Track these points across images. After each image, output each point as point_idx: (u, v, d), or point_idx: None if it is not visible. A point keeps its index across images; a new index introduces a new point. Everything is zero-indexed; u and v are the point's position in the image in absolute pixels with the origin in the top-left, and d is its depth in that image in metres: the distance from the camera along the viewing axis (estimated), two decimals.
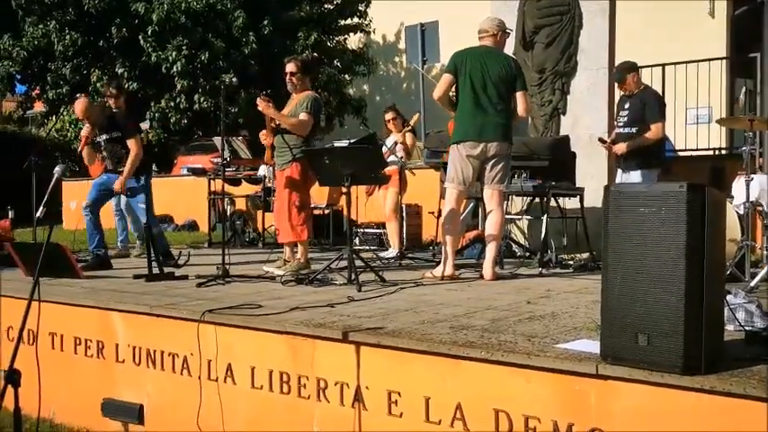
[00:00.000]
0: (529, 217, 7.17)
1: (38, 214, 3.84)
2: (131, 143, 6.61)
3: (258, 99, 5.80)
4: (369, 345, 3.34)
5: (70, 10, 16.38)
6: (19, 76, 18.35)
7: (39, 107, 20.50)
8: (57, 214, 13.41)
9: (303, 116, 5.85)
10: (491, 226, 5.41)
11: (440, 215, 7.43)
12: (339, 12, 18.52)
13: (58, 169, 3.74)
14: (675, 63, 9.69)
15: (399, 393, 3.25)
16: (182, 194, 12.53)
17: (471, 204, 7.63)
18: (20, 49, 16.72)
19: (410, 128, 7.48)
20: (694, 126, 10.13)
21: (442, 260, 5.46)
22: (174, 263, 6.63)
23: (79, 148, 6.79)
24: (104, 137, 6.78)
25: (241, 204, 10.46)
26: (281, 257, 6.15)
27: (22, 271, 5.77)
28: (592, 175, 7.37)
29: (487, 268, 5.37)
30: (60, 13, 16.39)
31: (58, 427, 4.56)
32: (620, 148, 6.33)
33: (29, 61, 17.20)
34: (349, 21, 18.76)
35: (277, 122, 5.90)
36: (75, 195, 14.22)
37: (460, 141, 5.35)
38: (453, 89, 5.46)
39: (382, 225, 8.33)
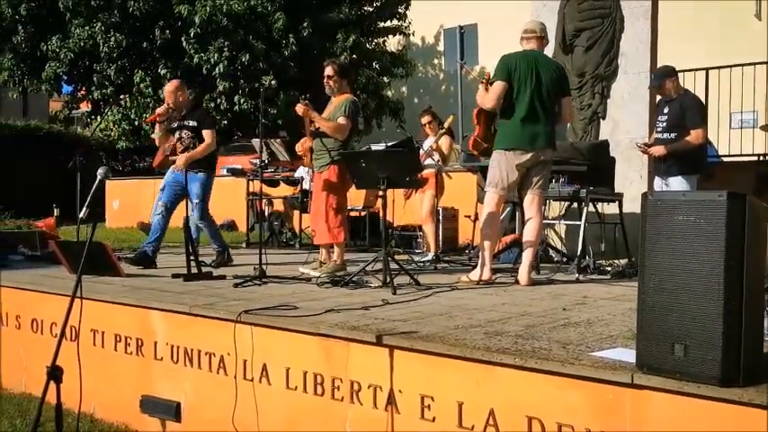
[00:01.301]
0: (567, 222, 7.11)
1: (81, 215, 3.92)
2: (207, 134, 6.68)
3: (298, 105, 5.85)
4: (402, 348, 3.35)
5: (116, 12, 16.71)
6: (66, 77, 18.74)
7: (84, 107, 20.93)
8: (99, 214, 13.68)
9: (341, 120, 5.89)
10: (529, 232, 5.38)
11: (476, 219, 7.44)
12: (378, 14, 18.60)
13: (101, 171, 3.80)
14: (719, 67, 9.53)
15: (432, 398, 3.26)
16: (221, 194, 12.54)
17: (508, 208, 7.60)
18: (67, 51, 17.10)
19: (444, 130, 7.45)
20: (738, 131, 9.95)
21: (479, 264, 5.44)
22: (228, 261, 6.80)
23: (148, 119, 6.86)
24: (178, 123, 6.81)
25: (279, 205, 10.56)
26: (318, 259, 6.20)
27: (65, 268, 5.90)
28: (631, 180, 7.28)
29: (523, 273, 5.34)
30: (106, 16, 16.72)
31: (98, 422, 4.66)
32: (659, 149, 6.24)
33: (75, 62, 17.58)
34: (388, 23, 18.82)
35: (316, 126, 5.95)
36: (118, 195, 14.48)
37: (510, 149, 5.30)
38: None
39: (418, 228, 8.34)
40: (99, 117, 18.70)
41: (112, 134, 18.45)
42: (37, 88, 18.52)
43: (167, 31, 16.52)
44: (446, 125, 7.48)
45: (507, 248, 7.10)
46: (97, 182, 3.65)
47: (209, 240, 6.96)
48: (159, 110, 6.74)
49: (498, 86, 5.28)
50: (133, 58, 17.48)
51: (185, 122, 6.79)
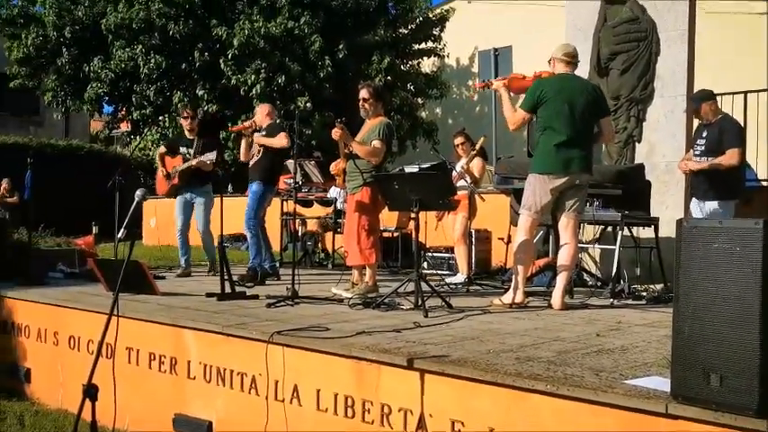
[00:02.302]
0: (601, 246, 7.03)
1: (119, 235, 4.01)
2: (279, 135, 7.18)
3: (335, 129, 5.90)
4: (433, 373, 3.34)
5: (156, 35, 17.01)
6: (107, 98, 19.10)
7: (124, 127, 21.30)
8: (137, 234, 13.89)
9: (376, 143, 5.93)
10: (564, 256, 5.33)
11: (509, 241, 7.40)
12: (413, 36, 18.70)
13: (139, 193, 3.87)
14: (759, 90, 9.39)
15: (463, 423, 3.23)
16: None
17: (542, 231, 7.54)
18: (108, 72, 17.42)
19: (476, 152, 7.43)
20: None
21: (512, 287, 5.41)
22: (275, 276, 7.19)
23: (233, 128, 7.31)
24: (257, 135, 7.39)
25: (312, 225, 10.61)
26: (350, 280, 6.21)
27: (103, 286, 6.00)
28: (667, 204, 7.19)
29: (557, 297, 5.30)
30: (147, 38, 17.02)
31: None
32: (693, 165, 6.15)
33: (116, 83, 17.90)
34: (423, 45, 18.91)
35: (350, 148, 5.99)
36: (154, 213, 14.69)
37: (545, 173, 5.29)
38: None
39: (451, 250, 8.32)
40: (138, 137, 19.02)
41: (151, 153, 18.76)
42: (79, 108, 18.88)
43: (206, 53, 16.76)
44: (478, 146, 7.46)
45: (541, 272, 7.04)
46: (135, 204, 3.72)
47: (250, 252, 7.38)
48: (246, 123, 7.48)
49: (521, 116, 5.38)
50: (172, 79, 17.75)
51: (261, 133, 7.30)
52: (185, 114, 7.98)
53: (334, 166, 6.24)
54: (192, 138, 7.86)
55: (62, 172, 18.13)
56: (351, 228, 6.03)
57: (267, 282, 7.10)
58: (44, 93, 18.97)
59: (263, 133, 7.31)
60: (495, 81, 5.74)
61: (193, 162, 7.56)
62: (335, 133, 5.91)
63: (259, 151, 7.27)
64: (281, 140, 7.12)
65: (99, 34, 17.76)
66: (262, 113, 7.50)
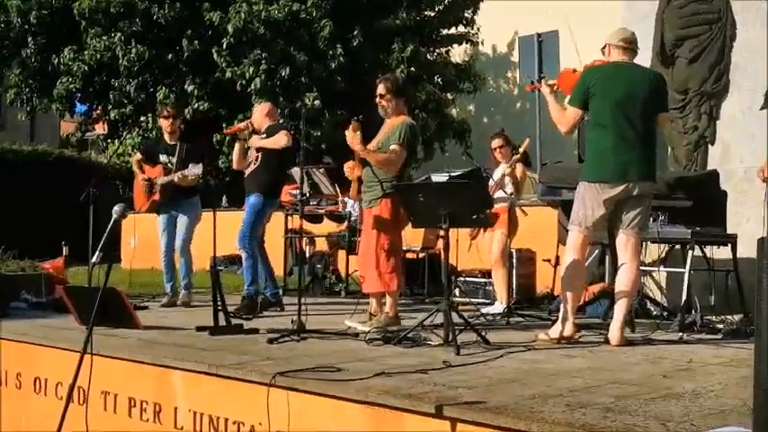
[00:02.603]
0: (668, 269, 6.99)
1: (93, 259, 4.05)
2: (279, 133, 7.21)
3: (348, 129, 5.93)
4: (467, 422, 3.33)
5: (138, 21, 17.17)
6: (79, 95, 19.26)
7: (99, 129, 21.51)
8: (114, 257, 14.01)
9: (394, 148, 5.95)
10: (623, 280, 5.31)
11: (557, 263, 7.37)
12: (441, 19, 18.76)
13: (117, 209, 3.91)
14: None
15: None
16: None
17: (597, 251, 7.50)
18: (81, 64, 17.57)
19: (519, 156, 7.44)
20: None
21: (560, 318, 5.39)
22: (278, 306, 7.27)
23: (227, 129, 7.47)
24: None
25: (322, 245, 10.64)
26: (367, 310, 6.22)
27: (75, 318, 6.04)
28: (748, 217, 7.14)
29: (615, 330, 5.27)
30: (126, 24, 17.18)
31: None
32: None
33: (90, 78, 18.06)
34: (453, 30, 18.97)
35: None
36: (134, 231, 14.78)
37: (597, 181, 5.28)
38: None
39: (487, 274, 8.30)
40: (116, 140, 19.18)
41: (131, 161, 18.88)
42: (47, 107, 19.07)
43: (196, 42, 16.89)
44: (521, 149, 7.47)
45: (595, 300, 7.01)
46: (112, 222, 3.76)
47: (244, 276, 7.38)
48: (241, 125, 7.55)
49: (572, 114, 5.37)
50: (156, 72, 17.91)
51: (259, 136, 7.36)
52: (166, 113, 8.07)
53: (349, 170, 6.25)
54: (173, 142, 7.94)
55: (27, 182, 18.33)
56: (368, 248, 6.04)
57: (268, 312, 7.12)
58: (6, 90, 19.16)
59: (262, 136, 7.36)
60: (545, 82, 5.75)
61: (174, 177, 7.64)
62: (348, 135, 5.94)
63: (257, 158, 7.31)
64: (279, 139, 7.13)
65: (70, 20, 17.96)
66: (260, 114, 7.57)
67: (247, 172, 7.39)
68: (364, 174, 6.11)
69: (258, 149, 7.30)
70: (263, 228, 7.58)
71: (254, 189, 7.29)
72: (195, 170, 7.39)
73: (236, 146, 7.51)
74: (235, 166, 7.66)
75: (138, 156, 8.29)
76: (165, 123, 8.02)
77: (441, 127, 18.39)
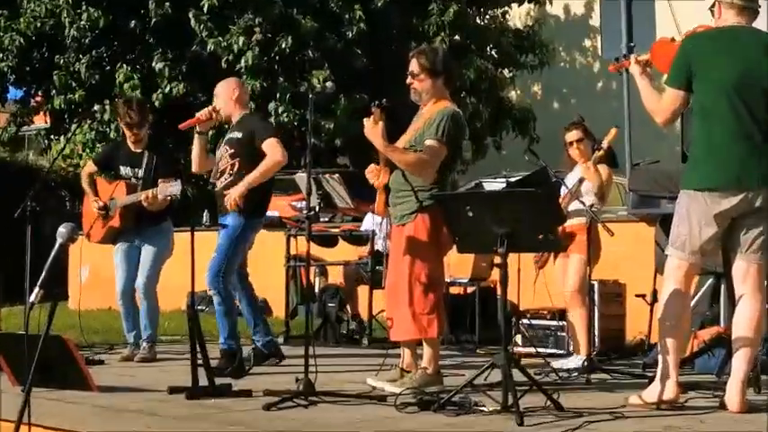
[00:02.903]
0: None
1: (31, 298, 4.07)
2: (269, 145, 7.08)
3: (368, 119, 5.94)
4: None
5: None
6: (13, 76, 19.38)
7: (40, 121, 21.63)
8: (59, 295, 14.11)
9: (430, 144, 5.95)
10: (743, 323, 5.28)
11: (654, 300, 7.31)
12: None
13: (62, 231, 3.93)
14: None
15: None
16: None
17: (708, 281, 7.46)
18: (15, 36, 17.69)
19: (601, 153, 7.39)
20: None
21: (659, 375, 5.36)
22: (276, 358, 7.28)
23: (182, 124, 7.48)
24: (227, 137, 7.39)
25: (336, 276, 10.65)
26: (397, 365, 6.22)
27: (7, 378, 6.08)
28: None
29: (734, 392, 5.23)
30: None
31: None
32: None
33: (28, 53, 18.20)
34: None
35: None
36: (88, 258, 14.85)
37: (705, 189, 5.26)
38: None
39: (560, 314, 8.28)
40: (62, 137, 19.28)
41: (82, 163, 18.95)
42: None
43: (167, 4, 17.02)
44: (605, 144, 7.41)
45: (706, 350, 6.96)
46: (57, 248, 3.79)
47: (219, 325, 7.26)
48: (201, 113, 7.29)
49: (671, 98, 5.31)
50: (114, 45, 18.03)
51: (232, 134, 7.26)
52: (129, 119, 7.88)
53: (373, 176, 6.26)
54: (138, 150, 7.96)
55: None
56: (398, 280, 6.05)
57: (263, 368, 7.12)
58: None
59: (237, 136, 7.21)
60: (635, 58, 5.73)
61: (141, 197, 7.56)
62: (367, 126, 5.96)
63: (233, 165, 7.17)
64: (274, 157, 7.03)
65: None
66: (225, 95, 7.35)
67: (219, 183, 7.26)
68: (393, 180, 6.11)
69: (233, 156, 7.17)
70: (244, 258, 7.54)
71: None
72: (171, 189, 7.15)
73: (196, 142, 7.40)
74: (195, 169, 7.62)
75: (91, 167, 8.26)
76: (128, 131, 7.94)
77: (496, 115, 18.40)
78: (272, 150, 7.04)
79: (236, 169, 7.16)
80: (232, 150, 7.18)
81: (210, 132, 7.51)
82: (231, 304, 7.27)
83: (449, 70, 6.30)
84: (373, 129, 5.94)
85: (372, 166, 6.24)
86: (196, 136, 7.41)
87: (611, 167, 7.66)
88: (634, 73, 5.63)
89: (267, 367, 7.21)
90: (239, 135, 7.21)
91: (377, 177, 6.18)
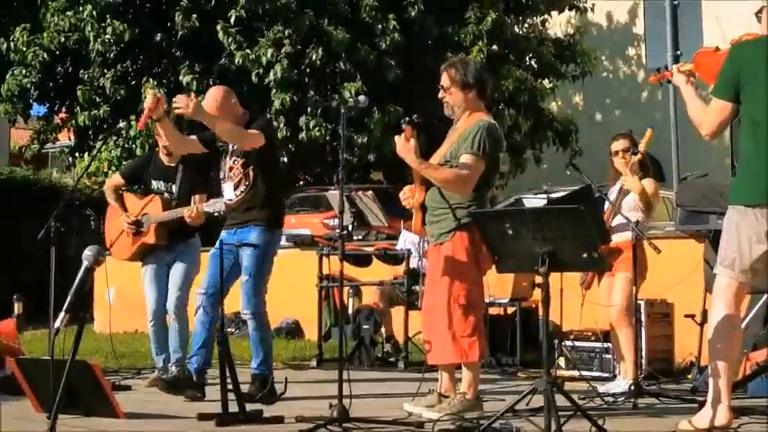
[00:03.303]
0: None
1: (57, 323, 4.09)
2: (254, 129, 6.99)
3: (400, 136, 5.93)
4: None
5: None
6: (36, 92, 19.50)
7: (64, 138, 21.75)
8: (85, 319, 14.18)
9: (466, 159, 5.94)
10: None
11: (704, 320, 7.24)
12: None
13: (88, 254, 3.95)
14: None
15: None
16: (276, 279, 12.81)
17: (760, 303, 7.39)
18: (38, 50, 17.81)
19: (638, 158, 7.33)
20: None
21: (710, 400, 5.31)
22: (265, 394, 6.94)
23: (139, 123, 7.35)
24: (232, 146, 7.22)
25: (370, 296, 10.63)
26: (434, 390, 6.19)
27: (31, 403, 6.11)
28: None
29: None
30: None
31: None
32: None
33: (51, 68, 18.33)
34: None
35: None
36: (114, 279, 14.91)
37: (755, 204, 5.22)
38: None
39: (605, 336, 8.22)
40: (87, 154, 19.36)
41: (107, 186, 18.97)
42: None
43: (193, 16, 17.10)
44: (642, 148, 7.35)
45: (760, 373, 6.90)
46: (82, 271, 3.80)
47: (254, 349, 7.18)
48: (148, 101, 6.88)
49: (717, 110, 5.28)
50: (140, 59, 18.13)
51: (234, 146, 7.15)
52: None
53: (408, 195, 6.25)
54: (172, 164, 7.98)
55: None
56: (436, 301, 6.04)
57: (295, 393, 7.10)
58: None
59: (233, 147, 7.15)
60: (677, 68, 5.70)
61: (186, 213, 7.47)
62: (398, 144, 5.94)
63: (248, 174, 7.04)
64: (252, 134, 6.89)
65: None
66: (213, 102, 7.14)
67: (234, 196, 7.11)
68: (429, 198, 6.11)
69: (246, 165, 7.06)
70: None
71: (254, 219, 7.04)
72: (217, 205, 7.13)
73: (160, 129, 7.13)
74: (174, 150, 7.52)
75: (117, 180, 8.24)
76: (163, 150, 7.93)
77: (536, 127, 18.35)
78: (253, 130, 6.94)
79: (251, 179, 7.05)
80: (243, 160, 7.07)
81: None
82: (268, 328, 7.26)
83: (481, 82, 6.27)
84: (405, 146, 5.93)
85: (406, 188, 6.24)
86: (156, 124, 7.14)
87: (658, 181, 7.62)
88: (679, 82, 5.60)
89: (299, 392, 7.16)
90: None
91: (412, 197, 6.18)
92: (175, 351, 7.79)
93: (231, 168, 7.12)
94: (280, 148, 7.14)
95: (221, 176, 7.23)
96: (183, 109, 6.62)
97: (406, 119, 6.05)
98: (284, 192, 7.43)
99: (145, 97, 17.15)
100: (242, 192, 7.08)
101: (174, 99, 6.45)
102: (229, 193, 7.13)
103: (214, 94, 7.19)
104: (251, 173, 7.05)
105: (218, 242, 7.18)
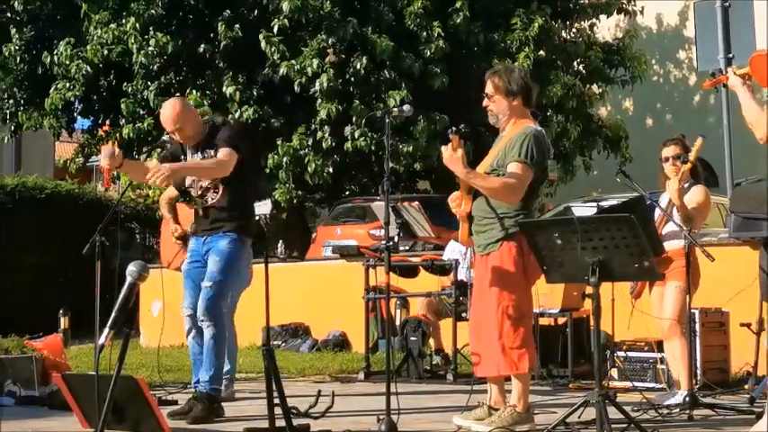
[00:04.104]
0: None
1: (101, 340, 4.11)
2: (223, 152, 6.88)
3: (446, 146, 5.91)
4: None
5: (158, 1, 17.51)
6: (80, 105, 19.67)
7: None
8: (130, 333, 14.25)
9: (513, 168, 5.91)
10: None
11: (761, 329, 7.17)
12: None
13: (132, 269, 3.96)
14: None
15: None
16: (323, 291, 12.89)
17: None
18: (82, 63, 17.96)
19: (688, 167, 7.26)
20: None
21: (767, 410, 5.26)
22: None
23: (105, 180, 7.28)
24: (197, 156, 7.18)
25: (419, 308, 10.61)
26: (484, 402, 6.17)
27: (78, 419, 6.15)
28: None
29: None
30: (142, 6, 17.53)
31: None
32: None
33: (95, 81, 18.50)
34: None
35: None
36: (159, 293, 14.97)
37: None
38: None
39: (658, 346, 8.16)
40: None
41: (151, 194, 19.11)
42: (37, 124, 19.55)
43: (237, 27, 17.19)
44: (692, 156, 7.28)
45: None
46: (127, 287, 3.82)
47: (203, 365, 7.02)
48: (102, 164, 7.04)
49: None
50: (184, 70, 18.24)
51: (203, 155, 7.09)
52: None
53: (455, 204, 6.24)
54: None
55: (11, 227, 18.70)
56: (484, 313, 6.02)
57: (338, 408, 7.08)
58: None
59: (210, 153, 7.03)
60: (733, 71, 5.66)
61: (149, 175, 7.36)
62: (444, 154, 5.93)
63: (216, 186, 7.01)
64: (219, 163, 6.81)
65: (66, 2, 18.42)
66: (173, 113, 7.15)
67: (201, 201, 7.09)
68: (475, 207, 6.08)
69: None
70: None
71: (223, 226, 6.99)
72: (262, 208, 7.15)
73: (124, 171, 7.44)
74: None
75: (171, 192, 8.25)
76: None
77: (585, 134, 18.26)
78: (221, 155, 6.85)
79: (221, 189, 7.00)
80: None
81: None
82: (225, 340, 7.11)
83: (525, 89, 6.21)
84: (453, 156, 5.90)
85: (455, 193, 6.21)
86: (120, 170, 7.31)
87: (711, 186, 7.55)
88: (735, 84, 5.55)
89: (340, 408, 7.14)
90: (212, 153, 7.03)
91: (459, 205, 6.16)
92: (229, 363, 7.71)
93: (197, 180, 7.11)
94: (253, 153, 7.08)
95: (188, 184, 7.17)
96: (161, 181, 6.71)
97: (453, 128, 6.01)
98: (255, 198, 7.27)
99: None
100: (211, 200, 7.05)
101: (146, 177, 6.57)
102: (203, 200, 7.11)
103: (173, 105, 7.21)
104: (220, 184, 7.01)
105: (188, 254, 7.24)
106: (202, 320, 6.95)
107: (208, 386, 6.88)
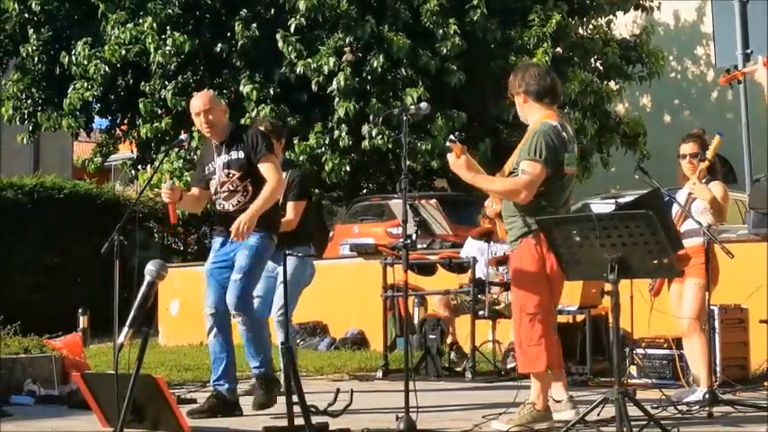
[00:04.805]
0: None
1: (120, 338, 4.12)
2: (267, 169, 6.92)
3: (451, 154, 5.97)
4: None
5: (174, 1, 17.54)
6: (98, 105, 19.72)
7: (125, 150, 21.97)
8: (149, 332, 14.28)
9: (524, 164, 5.90)
10: None
11: None
12: None
13: (151, 268, 3.96)
14: None
15: None
16: (341, 289, 12.88)
17: None
18: (99, 63, 17.99)
19: (706, 165, 7.25)
20: None
21: None
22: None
23: (171, 217, 7.34)
24: (223, 159, 7.14)
25: (437, 306, 10.60)
26: (528, 400, 6.15)
27: (97, 417, 6.16)
28: None
29: None
30: (159, 6, 17.56)
31: None
32: None
33: (112, 81, 18.53)
34: None
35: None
36: (178, 291, 15.00)
37: None
38: None
39: (677, 343, 8.13)
40: (149, 166, 19.54)
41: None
42: (55, 125, 19.59)
43: (253, 26, 17.20)
44: (709, 155, 7.27)
45: None
46: (145, 286, 3.83)
47: (248, 355, 7.07)
48: (167, 198, 7.00)
49: None
50: (201, 70, 18.26)
51: (229, 155, 7.07)
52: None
53: (487, 206, 6.28)
54: None
55: (30, 227, 18.77)
56: (513, 310, 6.13)
57: (356, 406, 7.06)
58: (1, 103, 19.70)
59: (239, 156, 7.02)
60: (750, 67, 5.63)
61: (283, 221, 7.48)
62: (452, 161, 6.02)
63: (246, 187, 7.01)
64: (272, 184, 6.87)
65: (83, 3, 18.46)
66: (218, 110, 7.24)
67: (231, 207, 7.06)
68: (503, 206, 6.13)
69: (243, 178, 7.01)
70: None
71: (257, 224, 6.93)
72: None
73: (183, 203, 7.33)
74: (200, 208, 7.68)
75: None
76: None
77: (602, 130, 18.21)
78: (270, 175, 6.89)
79: (250, 192, 6.99)
80: (240, 173, 7.00)
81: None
82: (260, 327, 7.16)
83: (542, 86, 6.18)
84: (457, 163, 5.97)
85: (486, 201, 6.31)
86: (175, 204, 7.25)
87: (729, 183, 7.52)
88: (762, 78, 5.52)
89: (367, 399, 7.15)
90: (241, 155, 7.02)
91: (490, 207, 6.24)
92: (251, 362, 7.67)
93: (224, 183, 7.06)
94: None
95: (212, 190, 7.15)
96: (248, 235, 6.76)
97: (451, 138, 6.11)
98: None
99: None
100: (239, 202, 7.03)
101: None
102: (224, 204, 7.09)
103: (203, 93, 7.49)
104: (249, 186, 7.00)
105: (211, 254, 7.21)
106: (235, 313, 6.96)
107: (262, 371, 7.00)
